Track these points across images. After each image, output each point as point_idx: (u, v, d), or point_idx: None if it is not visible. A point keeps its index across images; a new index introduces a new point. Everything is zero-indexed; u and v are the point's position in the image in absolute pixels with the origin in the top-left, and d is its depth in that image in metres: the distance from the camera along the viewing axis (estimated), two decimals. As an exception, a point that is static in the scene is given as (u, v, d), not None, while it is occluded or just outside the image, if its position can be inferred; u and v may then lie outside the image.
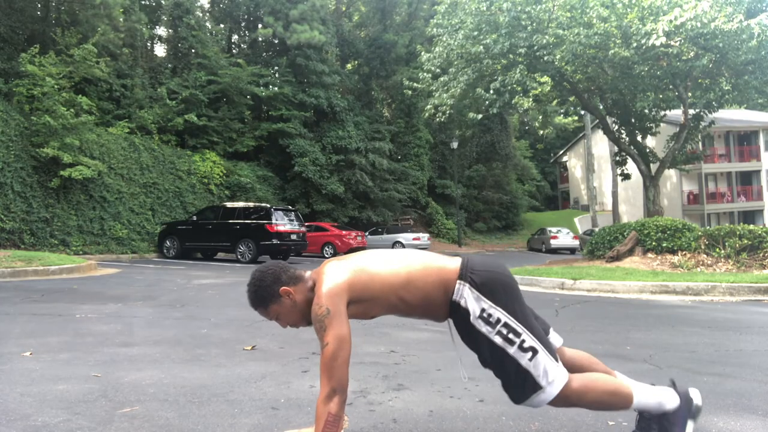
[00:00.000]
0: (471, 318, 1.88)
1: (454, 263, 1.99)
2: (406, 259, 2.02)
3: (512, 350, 1.86)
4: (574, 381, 1.91)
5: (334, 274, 1.96)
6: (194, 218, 16.32)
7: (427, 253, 2.11)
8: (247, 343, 4.18)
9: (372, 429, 2.37)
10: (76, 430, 2.31)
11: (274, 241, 15.19)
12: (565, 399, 1.90)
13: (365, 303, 1.95)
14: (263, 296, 2.01)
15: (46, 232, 14.83)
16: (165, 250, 16.20)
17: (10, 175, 14.36)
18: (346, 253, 20.37)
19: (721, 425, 2.44)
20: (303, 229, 16.79)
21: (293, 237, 15.84)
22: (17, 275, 9.19)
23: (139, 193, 18.28)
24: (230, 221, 15.67)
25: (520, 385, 1.87)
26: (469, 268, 1.94)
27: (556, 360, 1.90)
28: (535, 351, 1.86)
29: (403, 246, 24.16)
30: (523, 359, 1.85)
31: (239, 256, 15.27)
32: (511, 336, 1.86)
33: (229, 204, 16.60)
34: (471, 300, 1.89)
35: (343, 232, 20.57)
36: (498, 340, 1.86)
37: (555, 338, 2.10)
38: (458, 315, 1.93)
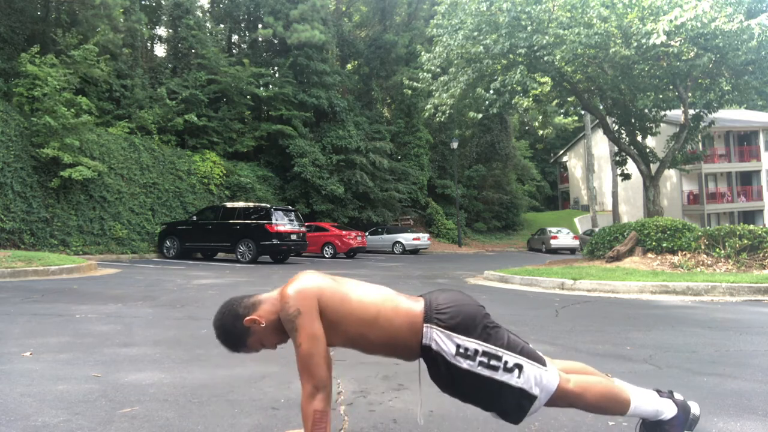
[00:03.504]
0: (449, 358, 1.84)
1: (418, 305, 1.93)
2: (378, 296, 1.95)
3: (499, 375, 1.83)
4: (571, 381, 1.93)
5: (307, 279, 1.94)
6: (194, 218, 16.32)
7: (394, 292, 2.03)
8: (247, 343, 4.17)
9: (372, 429, 2.37)
10: (76, 430, 2.31)
11: (274, 241, 15.20)
12: (563, 398, 1.90)
13: (328, 322, 1.87)
14: (235, 338, 1.99)
15: (46, 232, 14.82)
16: (165, 250, 16.20)
17: (10, 175, 14.36)
18: (346, 253, 20.39)
19: (721, 425, 2.43)
20: (303, 229, 16.80)
21: (293, 237, 15.85)
22: (17, 275, 9.19)
23: (139, 193, 18.28)
24: (230, 221, 15.67)
25: (516, 405, 1.85)
26: (434, 308, 1.89)
27: (544, 364, 1.89)
28: (520, 366, 1.84)
29: (404, 246, 24.16)
30: (512, 379, 1.83)
31: (239, 256, 15.27)
32: (493, 362, 1.83)
33: (229, 204, 16.59)
34: (443, 340, 1.85)
35: (343, 232, 20.57)
36: (482, 370, 1.82)
37: None
38: (433, 358, 1.87)
